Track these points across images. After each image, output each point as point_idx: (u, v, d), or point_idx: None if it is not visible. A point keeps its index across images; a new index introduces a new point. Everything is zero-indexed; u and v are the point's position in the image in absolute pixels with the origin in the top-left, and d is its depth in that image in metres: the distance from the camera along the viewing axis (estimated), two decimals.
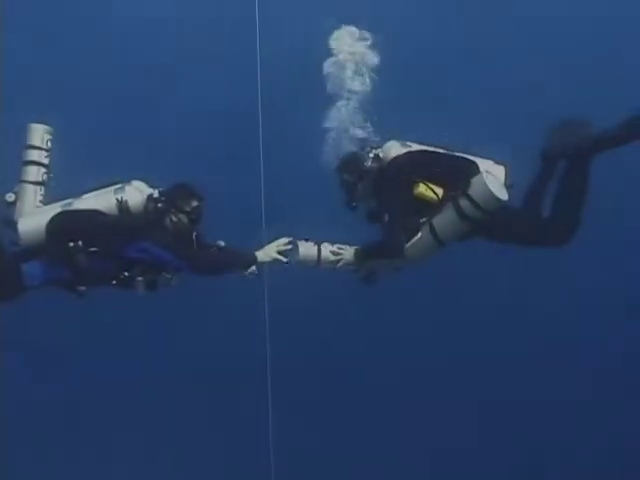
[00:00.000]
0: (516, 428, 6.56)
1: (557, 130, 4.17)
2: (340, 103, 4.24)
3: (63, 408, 6.43)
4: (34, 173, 4.05)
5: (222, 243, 4.18)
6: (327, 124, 4.25)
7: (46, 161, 4.11)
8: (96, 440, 6.52)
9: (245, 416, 5.73)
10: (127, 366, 6.37)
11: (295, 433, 5.54)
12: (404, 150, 4.12)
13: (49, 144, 4.14)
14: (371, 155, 4.15)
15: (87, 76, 6.05)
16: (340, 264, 4.20)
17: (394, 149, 4.13)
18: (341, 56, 4.27)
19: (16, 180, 4.05)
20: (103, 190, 3.98)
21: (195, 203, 3.97)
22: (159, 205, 3.91)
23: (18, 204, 3.99)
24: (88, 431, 6.51)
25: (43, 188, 4.07)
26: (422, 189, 3.97)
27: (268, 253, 4.08)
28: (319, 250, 4.15)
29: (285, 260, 4.10)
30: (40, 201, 4.04)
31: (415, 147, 4.15)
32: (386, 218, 3.97)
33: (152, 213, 3.90)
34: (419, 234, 3.96)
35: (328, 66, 4.30)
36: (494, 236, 4.11)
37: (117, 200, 3.87)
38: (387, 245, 4.02)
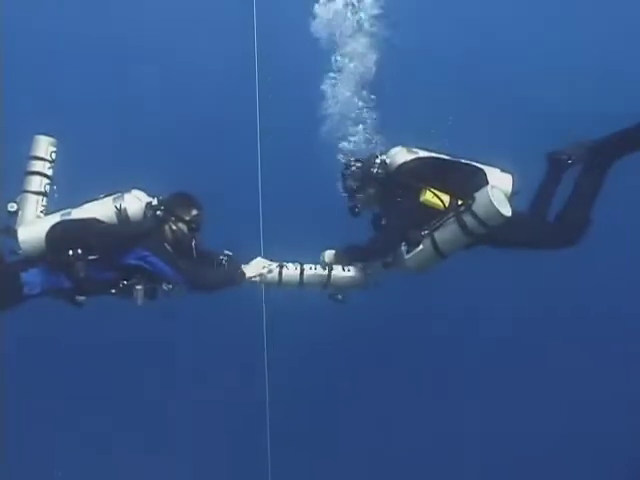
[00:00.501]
0: (523, 438, 6.49)
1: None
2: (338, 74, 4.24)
3: (62, 415, 6.35)
4: (36, 183, 4.04)
5: (229, 252, 4.13)
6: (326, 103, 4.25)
7: (49, 172, 4.11)
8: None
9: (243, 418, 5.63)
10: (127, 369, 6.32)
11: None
12: (411, 157, 4.07)
13: (53, 156, 4.14)
14: (377, 161, 4.10)
15: (87, 85, 6.12)
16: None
17: (400, 155, 4.09)
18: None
19: (19, 190, 4.03)
20: (102, 199, 3.95)
21: (195, 212, 3.95)
22: (158, 213, 3.87)
23: (19, 214, 3.97)
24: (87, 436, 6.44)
25: (45, 199, 4.06)
26: (428, 196, 3.92)
27: (255, 267, 4.06)
28: (302, 273, 4.05)
29: (269, 274, 4.04)
30: (41, 211, 4.02)
31: (422, 154, 4.09)
32: (383, 221, 3.95)
33: (151, 221, 3.86)
34: (420, 246, 3.90)
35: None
36: (498, 243, 4.02)
37: (116, 208, 3.84)
38: (382, 249, 3.98)
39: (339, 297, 4.11)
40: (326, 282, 4.06)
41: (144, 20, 6.35)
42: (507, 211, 3.71)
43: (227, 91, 6.09)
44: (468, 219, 3.76)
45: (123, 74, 6.22)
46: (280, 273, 4.04)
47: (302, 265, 4.07)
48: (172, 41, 6.30)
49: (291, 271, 4.06)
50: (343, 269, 4.07)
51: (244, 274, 4.03)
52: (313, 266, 4.09)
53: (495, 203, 3.67)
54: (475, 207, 3.74)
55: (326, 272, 4.05)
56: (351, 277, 4.08)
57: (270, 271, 4.04)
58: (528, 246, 4.08)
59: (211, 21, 6.40)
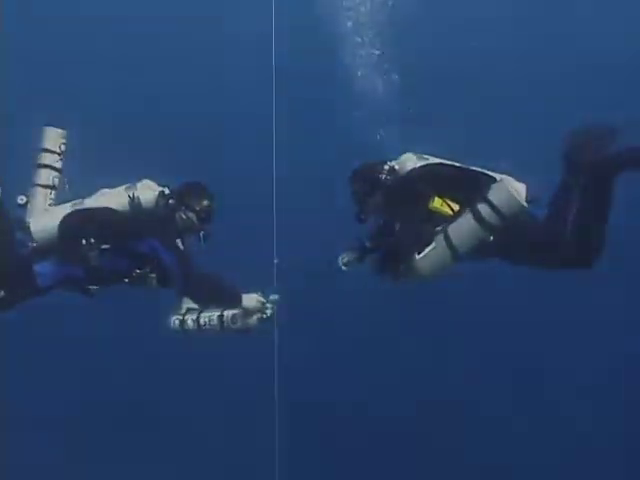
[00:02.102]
0: (523, 438, 6.55)
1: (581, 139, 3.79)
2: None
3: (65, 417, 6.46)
4: (45, 177, 4.04)
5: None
6: None
7: (58, 165, 4.10)
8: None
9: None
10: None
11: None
12: (420, 163, 4.01)
13: (62, 148, 4.13)
14: (386, 167, 4.05)
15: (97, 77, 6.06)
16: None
17: (410, 162, 4.03)
18: None
19: (29, 183, 4.03)
20: (114, 189, 3.97)
21: (206, 202, 3.95)
22: (170, 202, 3.89)
23: (29, 207, 3.98)
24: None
25: (53, 192, 4.05)
26: (437, 203, 3.85)
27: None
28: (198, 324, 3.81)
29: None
30: (49, 204, 4.02)
31: (432, 160, 4.04)
32: (398, 227, 3.84)
33: (163, 209, 3.88)
34: (433, 244, 3.72)
35: None
36: (510, 256, 3.93)
37: (129, 197, 3.86)
38: (397, 251, 3.83)
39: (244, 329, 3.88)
40: (220, 330, 3.83)
41: (158, 11, 6.24)
42: (523, 200, 3.66)
43: (241, 83, 6.02)
44: (482, 207, 3.66)
45: (136, 67, 6.15)
46: (182, 321, 3.87)
47: (199, 314, 3.84)
48: (186, 32, 6.21)
49: (189, 321, 3.86)
50: (232, 321, 3.77)
51: (240, 298, 3.89)
52: (207, 319, 3.82)
53: (510, 189, 3.64)
54: (490, 195, 3.68)
55: (218, 326, 3.79)
56: (239, 328, 3.82)
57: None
58: (541, 265, 3.93)
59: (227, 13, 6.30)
